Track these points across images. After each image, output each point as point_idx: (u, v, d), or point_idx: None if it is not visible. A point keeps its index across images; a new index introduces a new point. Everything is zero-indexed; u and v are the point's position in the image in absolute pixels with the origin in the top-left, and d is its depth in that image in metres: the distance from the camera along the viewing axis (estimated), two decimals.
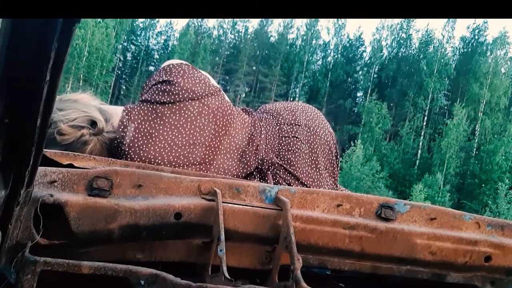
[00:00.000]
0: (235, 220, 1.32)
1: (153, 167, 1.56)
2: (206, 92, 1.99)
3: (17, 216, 1.08)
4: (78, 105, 1.87)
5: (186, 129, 1.91)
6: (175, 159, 1.87)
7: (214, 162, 1.95)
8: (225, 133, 1.99)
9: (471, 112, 50.85)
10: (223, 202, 1.30)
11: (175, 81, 1.95)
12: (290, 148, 2.07)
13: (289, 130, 2.11)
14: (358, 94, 64.19)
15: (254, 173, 2.04)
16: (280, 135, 2.10)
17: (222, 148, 1.98)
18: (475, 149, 51.07)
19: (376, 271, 1.45)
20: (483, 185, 46.59)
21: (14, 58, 0.80)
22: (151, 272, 1.07)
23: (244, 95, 61.90)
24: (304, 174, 2.07)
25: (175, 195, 1.30)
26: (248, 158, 2.02)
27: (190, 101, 1.94)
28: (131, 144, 1.83)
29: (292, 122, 2.13)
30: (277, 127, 2.12)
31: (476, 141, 51.03)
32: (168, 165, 1.84)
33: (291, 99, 62.35)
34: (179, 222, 1.27)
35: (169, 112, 1.91)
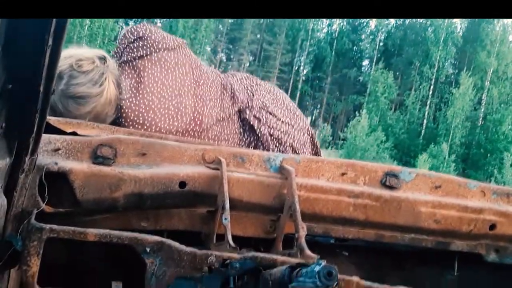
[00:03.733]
0: (240, 189, 1.32)
1: (157, 136, 1.55)
2: (176, 44, 2.03)
3: (22, 183, 1.08)
4: (79, 51, 1.87)
5: (169, 80, 1.93)
6: (166, 111, 1.87)
7: (205, 110, 1.98)
8: (203, 82, 2.02)
9: (477, 81, 50.32)
10: (227, 171, 1.29)
11: (146, 35, 1.98)
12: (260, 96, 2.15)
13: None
14: (364, 63, 63.58)
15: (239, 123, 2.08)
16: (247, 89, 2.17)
17: (207, 96, 2.01)
18: (481, 119, 50.79)
19: (380, 239, 1.45)
20: (488, 155, 46.49)
21: (15, 24, 0.79)
22: (156, 240, 1.08)
23: (248, 64, 61.45)
24: (282, 114, 2.13)
25: (179, 163, 1.30)
26: (227, 103, 2.07)
27: (165, 51, 1.97)
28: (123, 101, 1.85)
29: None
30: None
31: (483, 110, 50.69)
32: (162, 119, 1.85)
33: (296, 68, 61.86)
34: (184, 190, 1.27)
35: (149, 64, 1.92)
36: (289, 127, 2.11)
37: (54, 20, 0.79)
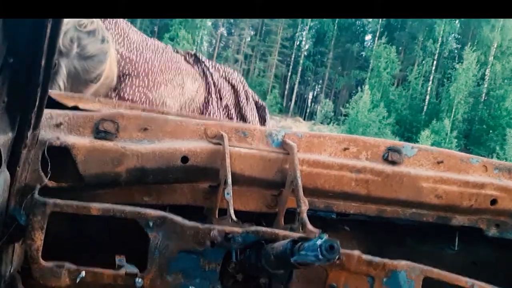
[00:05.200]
0: (242, 164, 1.32)
1: (159, 110, 1.55)
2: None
3: (25, 158, 1.09)
4: None
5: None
6: (153, 62, 1.89)
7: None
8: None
9: (481, 56, 49.90)
10: (229, 146, 1.29)
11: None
12: None
13: None
14: (366, 38, 63.06)
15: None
16: None
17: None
18: (484, 95, 50.54)
19: (381, 214, 1.46)
20: (491, 131, 46.40)
21: None
22: (159, 214, 1.09)
23: (249, 39, 60.95)
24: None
25: (181, 138, 1.30)
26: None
27: None
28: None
29: None
30: None
31: (486, 86, 50.38)
32: (150, 65, 1.87)
33: (297, 42, 61.34)
34: (186, 165, 1.27)
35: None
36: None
37: None
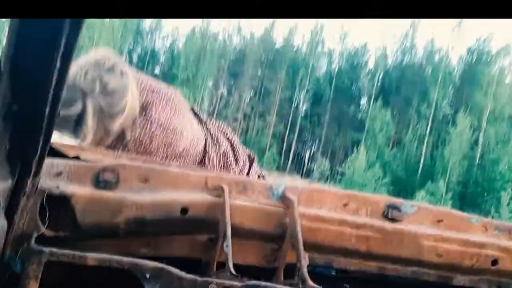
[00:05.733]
0: (242, 217, 1.31)
1: (160, 162, 1.55)
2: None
3: (23, 206, 1.08)
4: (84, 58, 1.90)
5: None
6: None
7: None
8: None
9: (474, 121, 50.70)
10: (230, 198, 1.29)
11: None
12: None
13: None
14: (362, 101, 64.11)
15: None
16: None
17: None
18: (478, 158, 50.90)
19: (382, 271, 1.43)
20: (485, 194, 46.39)
21: (24, 44, 0.79)
22: (156, 266, 1.06)
23: (248, 99, 61.90)
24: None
25: (181, 190, 1.29)
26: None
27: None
28: None
29: None
30: None
31: (479, 150, 50.85)
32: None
33: (296, 103, 62.34)
34: (185, 217, 1.26)
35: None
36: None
37: (63, 41, 0.80)
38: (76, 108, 1.76)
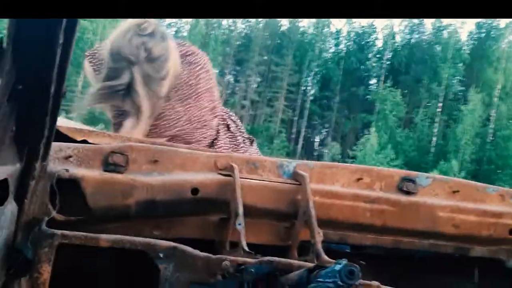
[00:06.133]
0: (253, 196, 1.29)
1: (169, 144, 1.54)
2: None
3: (33, 190, 1.07)
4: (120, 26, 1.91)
5: None
6: None
7: None
8: None
9: (486, 97, 50.21)
10: (240, 178, 1.27)
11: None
12: None
13: None
14: (371, 82, 63.66)
15: None
16: None
17: None
18: (491, 135, 50.49)
19: (398, 245, 1.42)
20: (499, 171, 46.09)
21: (25, 22, 0.78)
22: (169, 245, 1.05)
23: (256, 85, 61.74)
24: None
25: (191, 170, 1.28)
26: None
27: None
28: None
29: None
30: None
31: (492, 126, 50.40)
32: None
33: (303, 88, 62.10)
34: (196, 197, 1.25)
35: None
36: None
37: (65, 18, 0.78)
38: (124, 79, 1.76)
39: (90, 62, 2.00)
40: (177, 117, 1.92)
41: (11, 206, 0.98)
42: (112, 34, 1.87)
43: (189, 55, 2.00)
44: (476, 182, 1.50)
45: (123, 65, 1.77)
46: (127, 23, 1.83)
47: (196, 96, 1.95)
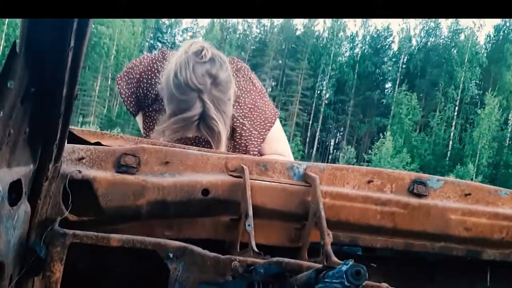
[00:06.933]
0: (263, 197, 1.30)
1: (180, 146, 1.55)
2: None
3: (46, 191, 1.09)
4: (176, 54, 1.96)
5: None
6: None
7: None
8: None
9: (503, 101, 49.60)
10: (250, 179, 1.28)
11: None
12: None
13: None
14: (387, 86, 63.36)
15: None
16: None
17: None
18: (508, 139, 49.83)
19: (409, 248, 1.41)
20: None
21: (37, 25, 0.79)
22: (179, 245, 1.06)
23: (270, 89, 61.76)
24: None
25: (202, 172, 1.29)
26: None
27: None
28: None
29: None
30: None
31: (509, 130, 49.75)
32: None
33: (318, 92, 62.00)
34: (207, 198, 1.26)
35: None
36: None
37: (76, 20, 0.80)
38: (197, 108, 1.82)
39: (119, 85, 2.05)
40: (248, 134, 2.02)
41: (24, 206, 1.00)
42: (167, 67, 1.91)
43: (239, 69, 2.07)
44: (488, 185, 1.49)
45: (192, 95, 1.82)
46: (182, 54, 1.88)
47: (255, 109, 2.07)
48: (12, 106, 0.81)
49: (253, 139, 2.04)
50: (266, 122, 2.08)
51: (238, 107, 2.01)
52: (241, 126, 2.00)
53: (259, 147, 2.06)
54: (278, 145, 2.15)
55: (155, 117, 2.05)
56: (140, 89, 2.03)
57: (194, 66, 1.83)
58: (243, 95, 2.05)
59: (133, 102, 2.06)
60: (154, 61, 2.04)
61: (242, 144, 2.01)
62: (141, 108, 2.08)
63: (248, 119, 2.04)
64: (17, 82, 0.83)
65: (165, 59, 2.04)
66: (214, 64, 1.86)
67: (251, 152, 2.02)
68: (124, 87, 2.05)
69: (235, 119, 1.98)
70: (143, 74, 2.03)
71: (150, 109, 2.06)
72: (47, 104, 0.93)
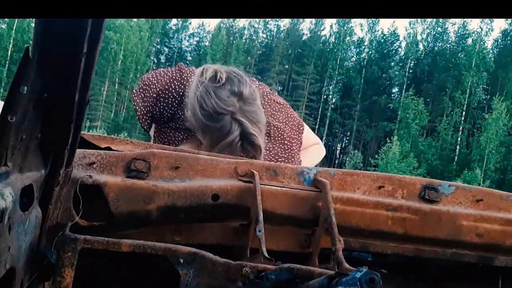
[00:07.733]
0: (273, 202, 1.29)
1: (190, 150, 1.55)
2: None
3: (57, 196, 1.09)
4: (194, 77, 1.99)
5: None
6: None
7: None
8: None
9: (510, 105, 49.38)
10: (260, 184, 1.27)
11: None
12: None
13: None
14: (394, 90, 63.24)
15: None
16: None
17: None
18: None
19: (420, 254, 1.40)
20: None
21: (51, 30, 0.79)
22: (190, 250, 1.06)
23: (276, 94, 61.76)
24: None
25: (212, 177, 1.29)
26: None
27: None
28: None
29: None
30: None
31: None
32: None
33: (324, 96, 62.01)
34: (217, 203, 1.25)
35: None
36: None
37: (90, 26, 0.80)
38: (236, 131, 1.82)
39: (135, 101, 2.06)
40: (288, 135, 2.09)
41: (35, 211, 1.00)
42: (187, 100, 1.92)
43: (262, 96, 2.08)
44: (500, 191, 1.48)
45: (226, 119, 1.81)
46: (197, 85, 1.87)
47: (289, 119, 2.17)
48: (24, 111, 0.81)
49: (293, 140, 2.12)
50: (299, 125, 2.19)
51: (276, 131, 2.08)
52: (281, 130, 2.09)
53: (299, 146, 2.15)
54: (310, 137, 2.30)
55: (170, 134, 2.07)
56: (157, 108, 2.04)
57: (216, 92, 1.82)
58: (275, 114, 2.13)
59: (148, 120, 2.07)
60: (171, 80, 2.04)
61: (286, 144, 2.10)
62: (155, 123, 2.10)
63: (287, 126, 2.14)
64: (30, 87, 0.84)
65: (182, 78, 2.04)
66: (233, 82, 1.86)
67: (295, 150, 2.10)
68: (140, 104, 2.05)
69: (271, 125, 2.05)
70: (160, 93, 2.03)
71: (166, 125, 2.07)
72: (59, 110, 0.93)
